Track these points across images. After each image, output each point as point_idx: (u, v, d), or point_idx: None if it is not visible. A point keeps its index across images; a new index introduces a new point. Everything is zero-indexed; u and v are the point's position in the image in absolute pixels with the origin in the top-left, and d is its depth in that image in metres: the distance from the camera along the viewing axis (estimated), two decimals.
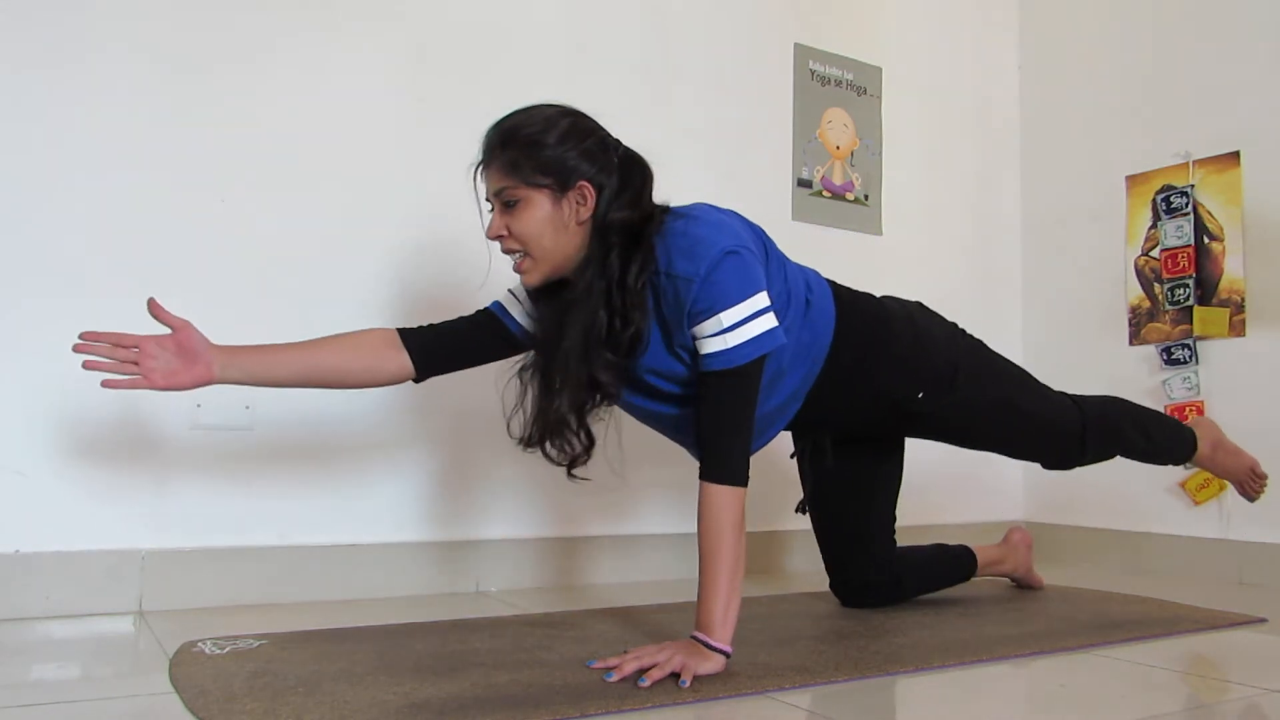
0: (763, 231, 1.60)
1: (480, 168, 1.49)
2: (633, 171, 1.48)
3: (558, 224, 1.43)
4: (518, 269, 1.49)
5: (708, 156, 2.53)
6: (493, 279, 1.77)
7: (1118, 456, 1.98)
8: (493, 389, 2.13)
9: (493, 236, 1.48)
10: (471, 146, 2.24)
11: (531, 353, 1.55)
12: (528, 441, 1.51)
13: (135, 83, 1.87)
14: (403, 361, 1.55)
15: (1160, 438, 2.01)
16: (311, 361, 1.49)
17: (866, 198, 2.82)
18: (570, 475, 1.53)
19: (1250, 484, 2.10)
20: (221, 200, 1.94)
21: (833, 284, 1.72)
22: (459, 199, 2.18)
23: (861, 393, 1.72)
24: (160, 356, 1.40)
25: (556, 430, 1.48)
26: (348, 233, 2.06)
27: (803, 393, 1.67)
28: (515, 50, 2.28)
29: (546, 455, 1.51)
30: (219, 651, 1.43)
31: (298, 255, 2.01)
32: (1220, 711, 1.31)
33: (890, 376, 1.73)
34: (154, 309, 1.41)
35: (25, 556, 1.73)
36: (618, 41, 2.43)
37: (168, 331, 1.42)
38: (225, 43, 1.96)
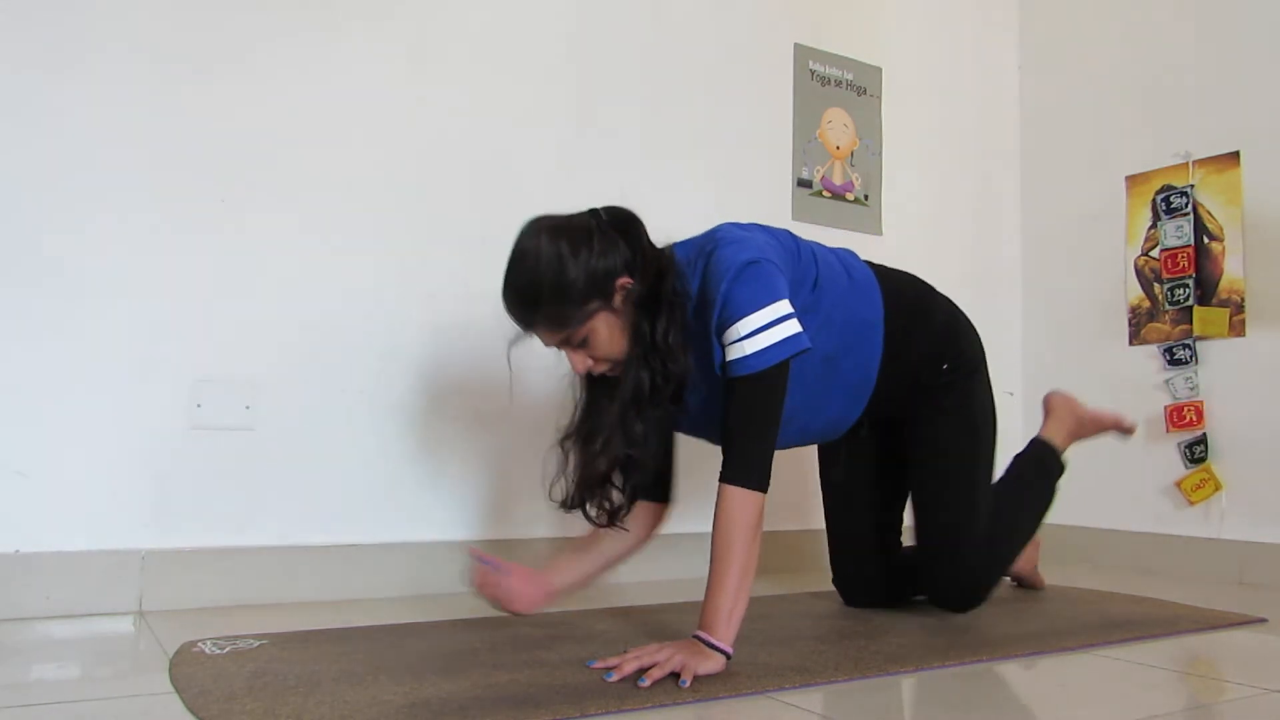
0: (787, 233, 1.67)
1: (520, 336, 1.51)
2: (628, 230, 1.49)
3: (623, 324, 1.46)
4: (612, 373, 1.51)
5: (708, 156, 2.53)
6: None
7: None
8: (492, 390, 2.14)
9: (583, 372, 1.50)
10: (470, 145, 2.25)
11: (573, 421, 1.57)
12: (569, 504, 1.57)
13: (135, 82, 1.87)
14: (656, 508, 1.71)
15: (1036, 504, 1.97)
16: (607, 555, 1.71)
17: (866, 198, 2.82)
18: (613, 525, 1.59)
19: (1121, 433, 2.20)
20: (221, 200, 1.94)
21: (871, 264, 1.80)
22: (456, 198, 2.19)
23: (903, 363, 1.76)
24: (516, 588, 1.64)
25: (595, 489, 1.55)
26: (347, 231, 2.06)
27: (873, 371, 1.72)
28: (516, 50, 2.27)
29: (586, 516, 1.58)
30: (219, 651, 1.43)
31: (298, 253, 2.01)
32: (1220, 711, 1.31)
33: (929, 345, 1.79)
34: (476, 557, 1.62)
35: (25, 556, 1.73)
36: (618, 41, 2.42)
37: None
38: (225, 43, 1.96)
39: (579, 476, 1.54)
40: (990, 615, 1.86)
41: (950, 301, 1.90)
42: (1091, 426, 2.14)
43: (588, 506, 1.56)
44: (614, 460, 1.51)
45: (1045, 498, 1.97)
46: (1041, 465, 2.00)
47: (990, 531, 1.81)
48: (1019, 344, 3.07)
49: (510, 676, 1.31)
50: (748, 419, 1.43)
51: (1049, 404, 2.15)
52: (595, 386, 1.55)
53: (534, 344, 1.55)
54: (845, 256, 1.78)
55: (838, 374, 1.69)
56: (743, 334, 1.43)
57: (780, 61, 2.70)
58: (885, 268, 1.83)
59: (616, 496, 1.58)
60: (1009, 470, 1.98)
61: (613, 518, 1.58)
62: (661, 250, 1.52)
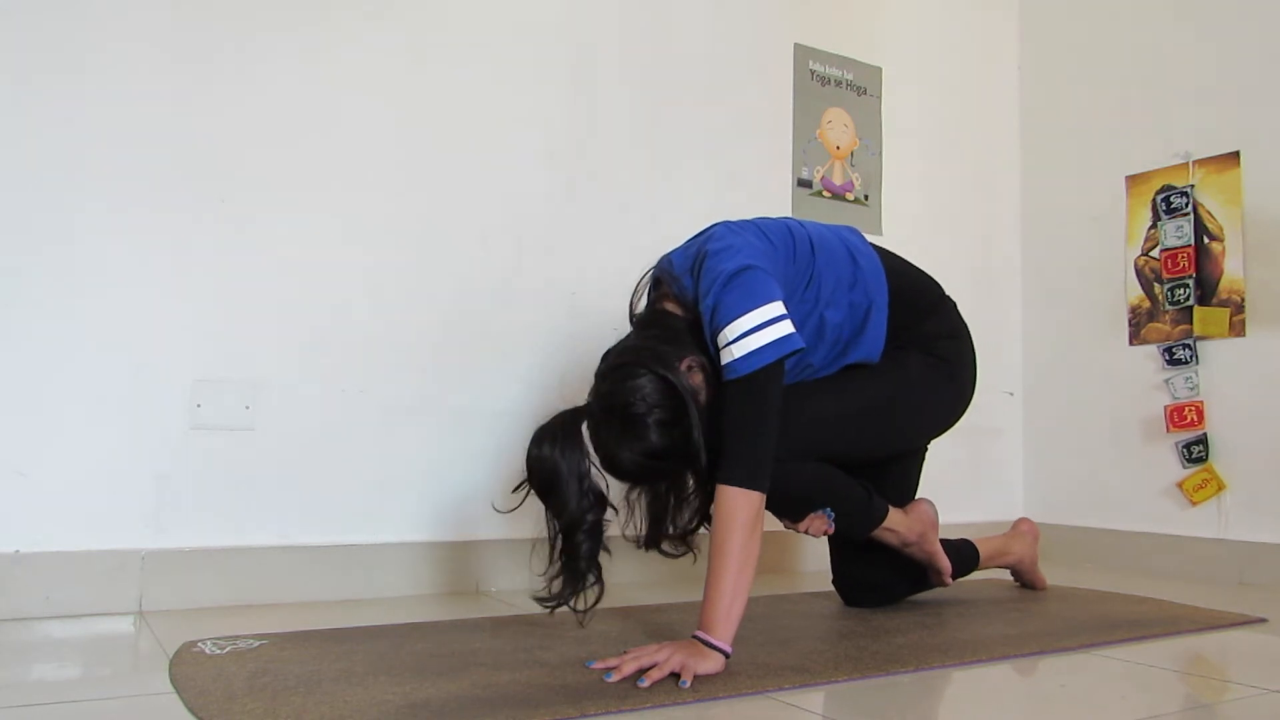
0: (784, 226, 1.67)
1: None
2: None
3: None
4: None
5: (708, 156, 2.53)
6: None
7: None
8: (493, 389, 2.14)
9: None
10: (470, 146, 2.25)
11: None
12: (646, 546, 1.65)
13: (135, 81, 1.87)
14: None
15: (837, 493, 1.75)
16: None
17: (866, 198, 2.82)
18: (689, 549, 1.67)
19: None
20: (221, 200, 1.94)
21: (881, 251, 1.80)
22: (456, 198, 2.19)
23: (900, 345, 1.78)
24: None
25: (665, 526, 1.65)
26: (347, 231, 2.06)
27: (876, 355, 1.72)
28: (515, 51, 2.27)
29: (663, 552, 1.65)
30: (219, 651, 1.43)
31: (298, 253, 2.01)
32: (1220, 711, 1.31)
33: (924, 346, 1.79)
34: None
35: (25, 556, 1.73)
36: (618, 42, 2.42)
37: None
38: (224, 41, 1.96)
39: (661, 520, 1.61)
40: (991, 615, 1.86)
41: (955, 309, 1.89)
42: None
43: (663, 544, 1.63)
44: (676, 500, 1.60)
45: (848, 499, 1.75)
46: (871, 504, 1.79)
47: (797, 444, 1.61)
48: (1019, 344, 3.07)
49: (510, 676, 1.31)
50: (742, 420, 1.44)
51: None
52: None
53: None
54: (851, 240, 1.76)
55: (843, 359, 1.72)
56: (731, 338, 1.45)
57: (780, 61, 2.70)
58: (899, 260, 1.83)
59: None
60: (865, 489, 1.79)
61: (685, 540, 1.64)
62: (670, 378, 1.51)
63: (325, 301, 2.03)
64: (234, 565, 1.89)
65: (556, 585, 1.53)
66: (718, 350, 1.49)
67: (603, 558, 1.55)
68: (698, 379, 1.52)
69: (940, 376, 1.79)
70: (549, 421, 1.52)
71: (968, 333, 1.88)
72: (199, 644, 1.47)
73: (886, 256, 1.80)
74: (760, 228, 1.65)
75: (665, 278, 1.64)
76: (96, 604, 1.77)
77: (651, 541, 1.63)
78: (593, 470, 1.50)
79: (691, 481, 1.63)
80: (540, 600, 1.54)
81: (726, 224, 1.65)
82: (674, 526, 1.62)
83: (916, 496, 1.94)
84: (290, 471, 1.97)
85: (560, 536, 1.51)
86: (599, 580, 1.54)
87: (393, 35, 2.13)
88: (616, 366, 1.52)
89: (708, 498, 1.57)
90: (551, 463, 1.47)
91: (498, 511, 1.62)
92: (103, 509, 1.81)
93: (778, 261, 1.60)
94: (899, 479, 1.91)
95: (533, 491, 1.53)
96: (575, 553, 1.50)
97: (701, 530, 1.62)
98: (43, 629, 1.65)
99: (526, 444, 1.54)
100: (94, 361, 1.81)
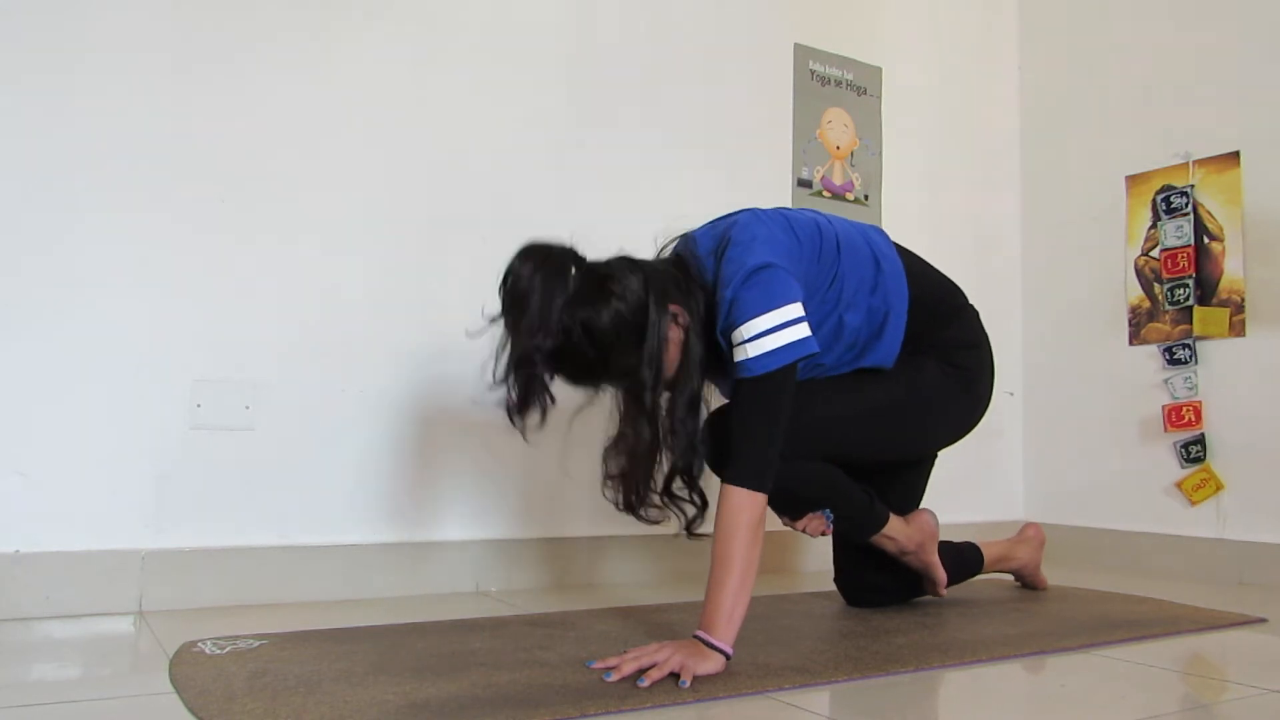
0: (812, 222, 1.65)
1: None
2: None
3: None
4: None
5: (708, 157, 2.53)
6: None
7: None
8: (492, 390, 2.13)
9: None
10: (469, 148, 2.25)
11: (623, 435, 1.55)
12: (641, 517, 1.57)
13: (135, 83, 1.87)
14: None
15: (837, 494, 1.76)
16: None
17: (866, 198, 2.82)
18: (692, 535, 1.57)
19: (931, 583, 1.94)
20: (221, 200, 1.94)
21: (904, 252, 1.78)
22: (455, 198, 2.19)
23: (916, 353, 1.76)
24: None
25: (643, 495, 1.55)
26: (348, 231, 2.06)
27: (890, 361, 1.71)
28: (514, 52, 2.27)
29: (641, 518, 1.57)
30: (219, 651, 1.43)
31: (298, 253, 2.01)
32: (1220, 711, 1.31)
33: (940, 355, 1.77)
34: None
35: (25, 556, 1.73)
36: (618, 42, 2.42)
37: None
38: (225, 42, 1.96)
39: (634, 485, 1.55)
40: (991, 615, 1.86)
41: (976, 317, 1.86)
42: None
43: (640, 510, 1.56)
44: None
45: (850, 502, 1.76)
46: (873, 510, 1.79)
47: (799, 448, 1.58)
48: (1019, 344, 3.07)
49: (510, 676, 1.31)
50: (751, 420, 1.44)
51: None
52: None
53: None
54: (876, 241, 1.73)
55: (858, 362, 1.71)
56: (747, 337, 1.45)
57: (780, 61, 2.70)
58: (922, 263, 1.81)
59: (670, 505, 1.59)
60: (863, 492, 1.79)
61: (691, 526, 1.57)
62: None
63: (325, 302, 2.03)
64: (234, 565, 1.89)
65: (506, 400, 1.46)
66: (730, 346, 1.48)
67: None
68: (675, 334, 1.47)
69: (956, 385, 1.78)
70: (545, 244, 1.44)
71: (988, 342, 1.86)
72: (199, 644, 1.47)
73: (910, 260, 1.77)
74: (789, 220, 1.62)
75: (687, 255, 1.61)
76: (96, 604, 1.77)
77: (629, 505, 1.55)
78: (565, 312, 1.39)
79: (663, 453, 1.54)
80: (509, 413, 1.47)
81: (754, 212, 1.63)
82: (642, 488, 1.54)
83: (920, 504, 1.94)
84: (290, 471, 1.97)
85: (507, 364, 1.44)
86: (542, 406, 1.46)
87: (393, 35, 2.13)
88: (624, 259, 1.49)
89: (674, 470, 1.52)
90: (526, 283, 1.38)
91: (468, 336, 1.50)
92: (103, 509, 1.81)
93: (802, 259, 1.58)
94: (907, 485, 1.91)
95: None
96: (522, 386, 1.43)
97: (693, 516, 1.56)
98: (43, 629, 1.65)
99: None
100: (94, 361, 1.81)
